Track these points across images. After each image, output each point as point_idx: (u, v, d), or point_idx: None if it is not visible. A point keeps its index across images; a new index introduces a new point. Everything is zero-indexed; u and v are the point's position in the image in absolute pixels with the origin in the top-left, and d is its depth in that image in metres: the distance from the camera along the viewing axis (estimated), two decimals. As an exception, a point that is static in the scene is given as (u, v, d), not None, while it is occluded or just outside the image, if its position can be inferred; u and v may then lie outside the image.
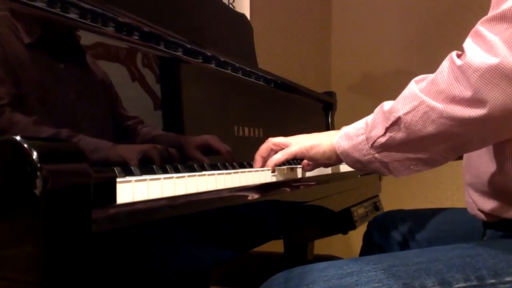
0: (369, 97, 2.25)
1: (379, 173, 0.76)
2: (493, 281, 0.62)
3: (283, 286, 0.63)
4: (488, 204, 0.77)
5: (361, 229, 1.31)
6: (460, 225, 0.98)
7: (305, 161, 0.90)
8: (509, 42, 0.57)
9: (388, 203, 1.58)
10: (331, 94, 1.60)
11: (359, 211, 1.32)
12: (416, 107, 0.64)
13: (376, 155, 0.71)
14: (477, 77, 0.58)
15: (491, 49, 0.58)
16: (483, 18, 0.61)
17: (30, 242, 0.37)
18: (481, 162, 0.78)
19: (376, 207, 1.46)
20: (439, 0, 2.16)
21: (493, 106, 0.57)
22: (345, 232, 1.34)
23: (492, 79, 0.57)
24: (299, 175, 0.94)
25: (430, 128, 0.63)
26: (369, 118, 0.74)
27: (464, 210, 0.88)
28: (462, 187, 0.87)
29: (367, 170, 0.76)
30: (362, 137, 0.73)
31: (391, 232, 1.09)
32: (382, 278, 0.61)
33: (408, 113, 0.65)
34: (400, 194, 2.17)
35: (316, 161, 0.86)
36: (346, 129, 0.78)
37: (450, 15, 2.11)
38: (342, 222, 1.29)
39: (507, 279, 0.63)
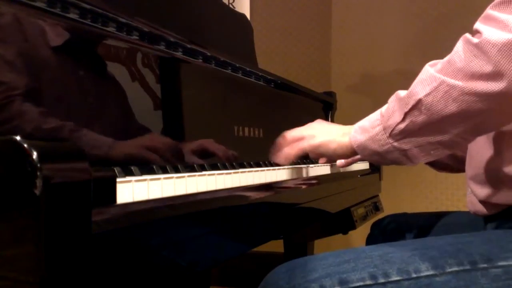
0: (369, 97, 2.25)
1: (397, 163, 0.75)
2: (485, 265, 0.64)
3: (285, 275, 0.65)
4: (490, 194, 0.79)
5: (361, 229, 1.31)
6: (463, 228, 0.98)
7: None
8: None
9: (388, 203, 1.58)
10: (331, 94, 1.60)
11: (359, 211, 1.32)
12: (437, 87, 0.64)
13: (395, 143, 0.71)
14: (496, 51, 0.59)
15: (506, 27, 0.59)
16: (491, 4, 0.63)
17: (30, 242, 0.37)
18: (483, 151, 0.79)
19: (376, 207, 1.47)
20: (439, 0, 2.16)
21: (511, 79, 0.59)
22: (345, 232, 1.35)
23: (511, 53, 0.58)
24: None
25: (452, 107, 0.63)
26: (383, 109, 0.74)
27: (467, 213, 0.89)
28: (462, 187, 0.87)
29: (384, 161, 0.76)
30: (379, 128, 0.73)
31: (395, 236, 1.09)
32: (378, 263, 0.64)
33: (428, 94, 0.65)
34: (401, 194, 2.17)
35: (326, 157, 0.87)
36: (360, 123, 0.78)
37: (450, 16, 2.11)
38: (342, 222, 1.29)
39: (500, 263, 0.64)
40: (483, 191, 0.80)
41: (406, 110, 0.68)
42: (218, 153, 0.88)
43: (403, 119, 0.69)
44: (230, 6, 2.11)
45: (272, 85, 1.18)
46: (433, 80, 0.65)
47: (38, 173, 0.36)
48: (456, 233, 0.98)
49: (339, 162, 1.00)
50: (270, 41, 2.37)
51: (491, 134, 0.77)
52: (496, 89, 0.60)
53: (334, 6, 2.36)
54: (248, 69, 1.05)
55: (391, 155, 0.73)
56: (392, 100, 0.73)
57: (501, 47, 0.59)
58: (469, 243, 0.67)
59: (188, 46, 0.84)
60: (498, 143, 0.76)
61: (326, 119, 1.55)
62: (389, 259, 0.65)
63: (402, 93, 0.71)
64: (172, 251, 0.54)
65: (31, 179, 0.36)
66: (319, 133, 0.85)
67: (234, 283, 2.20)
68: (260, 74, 1.11)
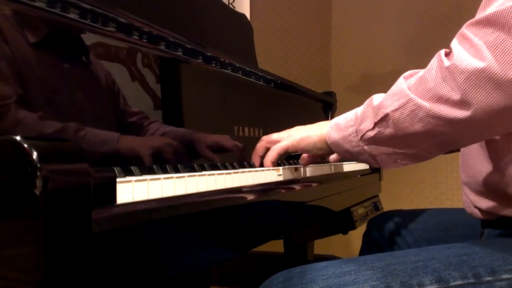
0: (369, 97, 2.25)
1: (368, 164, 0.77)
2: (489, 278, 0.63)
3: (282, 285, 0.63)
4: (484, 203, 0.78)
5: (361, 229, 1.31)
6: (459, 225, 0.98)
7: (303, 155, 0.92)
8: (493, 47, 0.57)
9: (388, 203, 1.58)
10: (331, 94, 1.60)
11: (359, 211, 1.32)
12: (404, 104, 0.65)
13: (365, 147, 0.73)
14: (463, 78, 0.58)
15: (477, 53, 0.58)
16: (469, 21, 0.62)
17: (30, 242, 0.37)
18: (476, 161, 0.79)
19: (376, 207, 1.47)
20: (438, 0, 2.16)
21: (477, 109, 0.58)
22: (345, 232, 1.35)
23: (478, 82, 0.57)
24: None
25: (417, 126, 0.64)
26: (359, 110, 0.75)
27: (463, 210, 0.89)
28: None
29: (357, 160, 0.78)
30: (352, 129, 0.74)
31: (391, 232, 1.09)
32: (380, 276, 0.61)
33: (396, 110, 0.66)
34: (400, 194, 2.17)
35: (308, 153, 0.87)
36: (336, 120, 0.79)
37: (449, 16, 2.11)
38: (342, 222, 1.29)
39: (504, 276, 0.63)
40: (477, 199, 0.80)
41: (375, 120, 0.70)
42: (234, 149, 0.88)
43: (373, 128, 0.70)
44: (230, 6, 2.11)
45: (272, 85, 1.18)
46: (403, 96, 0.65)
47: (38, 173, 0.36)
48: (452, 232, 0.99)
49: (331, 157, 1.00)
50: (270, 41, 2.37)
51: (483, 144, 0.77)
52: (461, 116, 0.60)
53: (334, 6, 2.36)
54: (248, 69, 1.05)
55: (362, 156, 0.75)
56: (367, 104, 0.74)
57: (468, 75, 0.58)
58: (473, 254, 0.65)
59: (188, 46, 0.84)
60: (493, 154, 0.75)
61: (326, 119, 1.54)
62: (392, 271, 0.62)
63: (376, 100, 0.72)
64: (172, 251, 0.54)
65: (31, 179, 0.36)
66: (297, 131, 0.87)
67: (234, 283, 2.20)
68: (260, 74, 1.11)
